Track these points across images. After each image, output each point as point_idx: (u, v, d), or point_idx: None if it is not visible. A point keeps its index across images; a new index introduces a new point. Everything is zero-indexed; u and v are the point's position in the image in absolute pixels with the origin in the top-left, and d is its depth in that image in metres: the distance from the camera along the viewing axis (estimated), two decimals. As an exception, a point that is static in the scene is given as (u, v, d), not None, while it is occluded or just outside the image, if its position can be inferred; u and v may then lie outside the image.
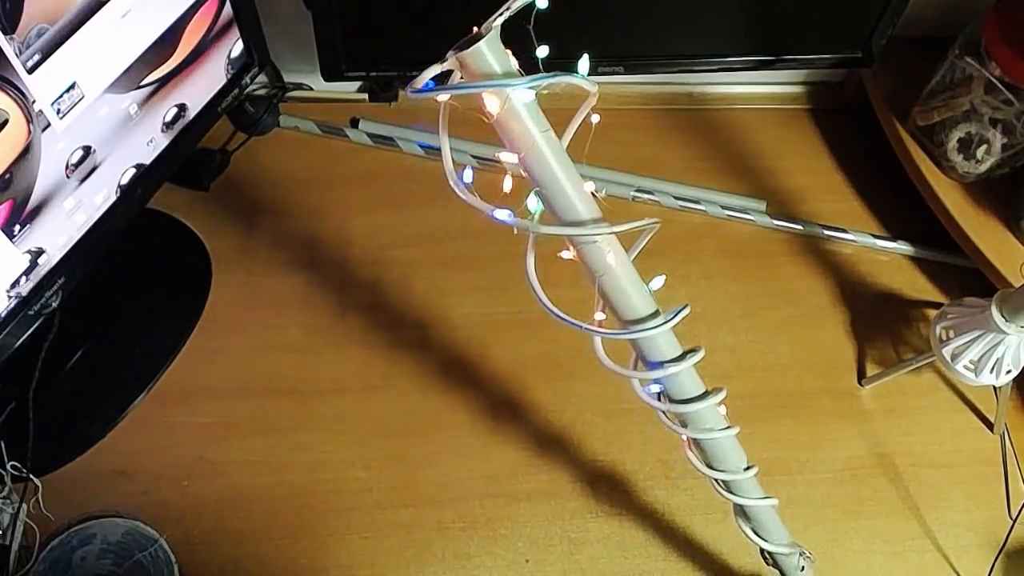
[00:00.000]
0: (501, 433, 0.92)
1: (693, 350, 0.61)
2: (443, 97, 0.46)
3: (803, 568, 0.76)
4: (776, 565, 0.77)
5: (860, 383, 1.00)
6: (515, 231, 0.50)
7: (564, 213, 0.52)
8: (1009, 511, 0.91)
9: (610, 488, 0.90)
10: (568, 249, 0.55)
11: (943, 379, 1.01)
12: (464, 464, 0.90)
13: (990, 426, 0.98)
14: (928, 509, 0.92)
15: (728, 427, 0.65)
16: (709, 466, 0.67)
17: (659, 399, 0.64)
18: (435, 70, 0.46)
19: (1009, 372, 0.85)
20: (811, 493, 0.92)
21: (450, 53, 0.45)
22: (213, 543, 0.83)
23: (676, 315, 0.58)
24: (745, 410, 0.96)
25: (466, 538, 0.86)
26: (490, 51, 0.46)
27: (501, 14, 0.45)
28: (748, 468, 0.67)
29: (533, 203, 0.52)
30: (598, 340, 0.60)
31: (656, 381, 0.62)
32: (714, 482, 0.69)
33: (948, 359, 0.87)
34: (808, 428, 0.96)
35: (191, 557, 0.81)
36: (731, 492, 0.69)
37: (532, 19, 0.45)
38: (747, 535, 0.73)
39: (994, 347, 0.84)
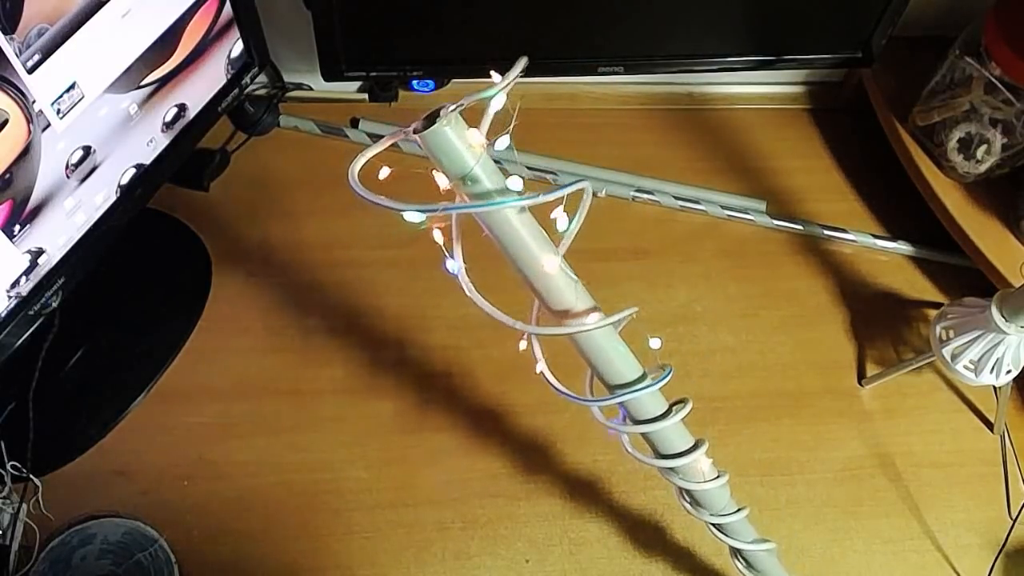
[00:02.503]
0: (501, 433, 0.92)
1: (682, 401, 0.62)
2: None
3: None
4: None
5: (860, 383, 1.00)
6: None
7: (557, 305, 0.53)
8: (1009, 511, 0.91)
9: (610, 488, 0.90)
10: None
11: (943, 379, 1.01)
12: (464, 464, 0.90)
13: (990, 426, 0.98)
14: (928, 509, 0.92)
15: (717, 476, 0.66)
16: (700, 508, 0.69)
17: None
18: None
19: (1009, 372, 0.85)
20: (811, 493, 0.92)
21: (413, 128, 0.46)
22: (213, 543, 0.83)
23: (662, 379, 0.59)
24: (745, 410, 0.96)
25: (466, 538, 0.86)
26: (455, 136, 0.46)
27: (459, 106, 0.45)
28: (738, 511, 0.68)
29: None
30: (596, 409, 0.62)
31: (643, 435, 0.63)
32: (709, 526, 0.70)
33: (948, 359, 0.87)
34: (808, 428, 0.96)
35: (191, 557, 0.81)
36: (725, 535, 0.69)
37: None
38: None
39: (994, 347, 0.84)
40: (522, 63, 0.46)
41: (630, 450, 0.64)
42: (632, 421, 0.61)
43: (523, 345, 0.57)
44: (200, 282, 0.98)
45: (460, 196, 0.48)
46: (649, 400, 0.60)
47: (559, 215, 0.48)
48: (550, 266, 0.51)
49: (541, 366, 0.58)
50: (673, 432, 0.62)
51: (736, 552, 0.73)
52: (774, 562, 0.73)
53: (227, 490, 0.86)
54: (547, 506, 0.88)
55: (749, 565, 0.74)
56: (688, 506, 0.69)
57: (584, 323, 0.54)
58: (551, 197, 0.49)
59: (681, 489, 0.67)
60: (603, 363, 0.57)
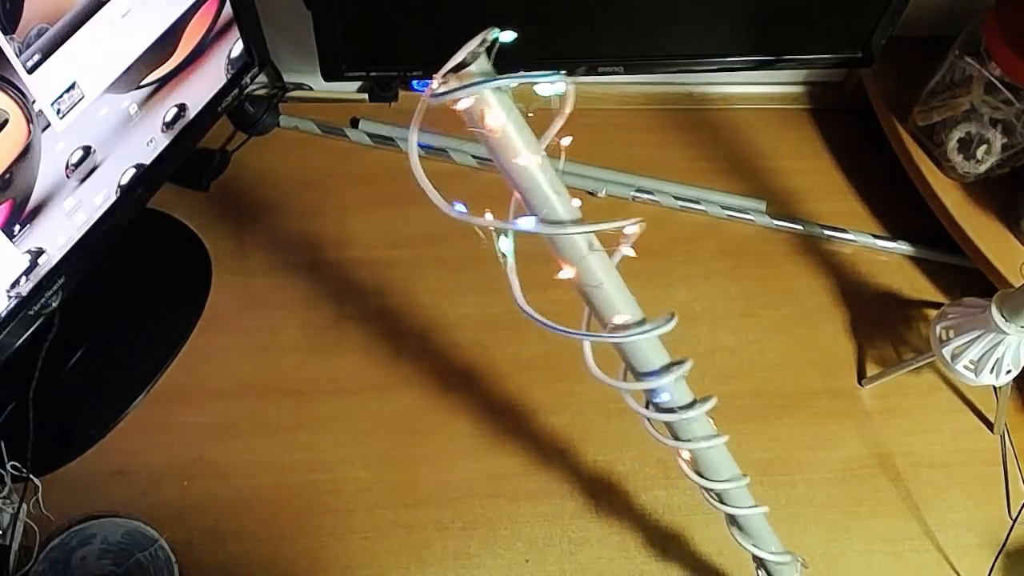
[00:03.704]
0: (501, 433, 0.92)
1: (681, 361, 0.61)
2: (464, 103, 0.46)
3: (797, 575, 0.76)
4: (769, 574, 0.77)
5: (860, 383, 1.00)
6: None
7: (548, 216, 0.52)
8: (1009, 511, 0.91)
9: (610, 488, 0.90)
10: (561, 267, 0.55)
11: (943, 379, 1.01)
12: (464, 464, 0.90)
13: (990, 426, 0.98)
14: (928, 509, 0.92)
15: (717, 435, 0.64)
16: (700, 475, 0.67)
17: (647, 407, 0.63)
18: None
19: (1009, 372, 0.85)
20: (811, 493, 0.92)
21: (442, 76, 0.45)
22: (213, 543, 0.83)
23: (666, 323, 0.57)
24: (745, 410, 0.96)
25: (466, 538, 0.86)
26: (479, 70, 0.46)
27: (478, 44, 0.45)
28: (740, 478, 0.67)
29: (505, 245, 0.52)
30: (587, 345, 0.59)
31: (648, 392, 0.61)
32: (705, 492, 0.69)
33: (948, 359, 0.87)
34: (808, 428, 0.96)
35: (191, 557, 0.81)
36: (723, 502, 0.69)
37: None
38: (740, 543, 0.73)
39: (994, 347, 0.84)
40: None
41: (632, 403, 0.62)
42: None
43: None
44: (200, 282, 0.98)
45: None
46: (650, 348, 0.59)
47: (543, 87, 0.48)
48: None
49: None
50: (676, 386, 0.61)
51: (732, 518, 0.73)
52: (767, 526, 0.73)
53: (227, 490, 0.86)
54: (547, 506, 0.88)
55: (741, 528, 0.73)
56: (687, 470, 0.68)
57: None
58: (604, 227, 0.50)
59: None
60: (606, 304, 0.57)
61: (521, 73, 0.45)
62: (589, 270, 0.55)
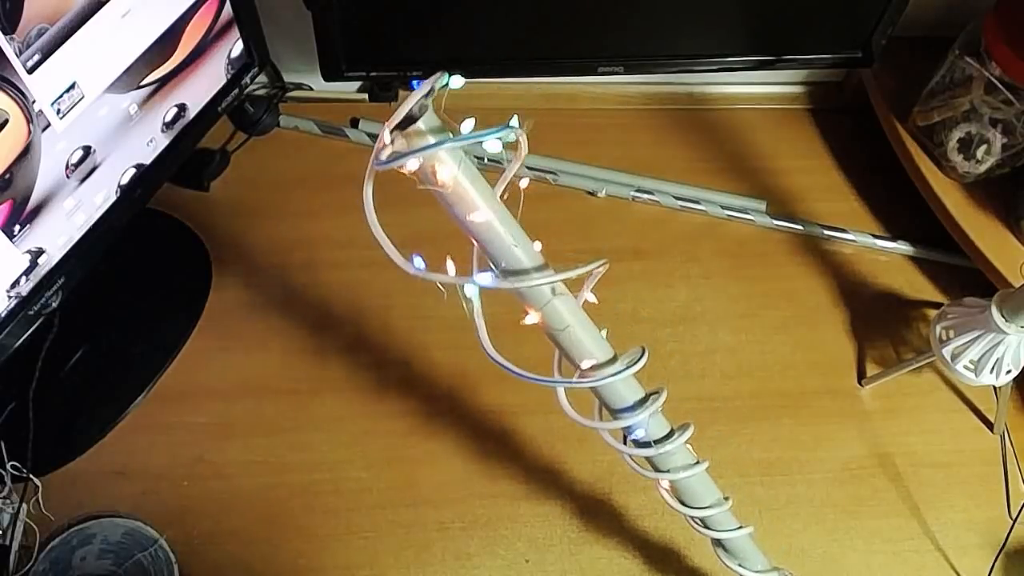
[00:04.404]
0: (501, 433, 0.92)
1: (656, 392, 0.60)
2: (412, 165, 0.45)
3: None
4: None
5: (860, 383, 1.00)
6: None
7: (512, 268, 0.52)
8: (1009, 511, 0.91)
9: (610, 488, 0.90)
10: (527, 313, 0.55)
11: (943, 379, 1.01)
12: (464, 464, 0.90)
13: (990, 426, 0.98)
14: (928, 509, 0.92)
15: (697, 463, 0.64)
16: (683, 503, 0.67)
17: (625, 443, 0.63)
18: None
19: (1009, 372, 0.85)
20: (811, 493, 0.92)
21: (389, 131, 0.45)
22: (213, 543, 0.83)
23: (636, 361, 0.57)
24: (745, 410, 0.96)
25: (466, 538, 0.86)
26: (427, 127, 0.45)
27: (424, 95, 0.44)
28: (722, 502, 0.67)
29: (471, 290, 0.51)
30: (561, 391, 0.59)
31: (625, 428, 0.61)
32: (688, 519, 0.69)
33: (948, 359, 0.87)
34: (808, 428, 0.96)
35: (191, 557, 0.81)
36: (707, 527, 0.69)
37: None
38: (727, 564, 0.73)
39: (994, 347, 0.84)
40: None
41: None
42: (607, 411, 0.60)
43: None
44: (200, 282, 0.98)
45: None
46: (624, 387, 0.59)
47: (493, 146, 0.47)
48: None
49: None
50: (651, 420, 0.61)
51: (718, 542, 0.72)
52: (753, 546, 0.72)
53: (227, 490, 0.86)
54: (547, 506, 0.88)
55: (727, 550, 0.73)
56: (669, 499, 0.68)
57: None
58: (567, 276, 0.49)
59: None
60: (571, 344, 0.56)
61: (472, 133, 0.44)
62: (555, 314, 0.54)
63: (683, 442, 0.62)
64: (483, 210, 0.48)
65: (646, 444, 0.61)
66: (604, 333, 0.58)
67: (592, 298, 0.55)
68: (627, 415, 0.59)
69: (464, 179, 0.47)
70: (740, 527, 0.69)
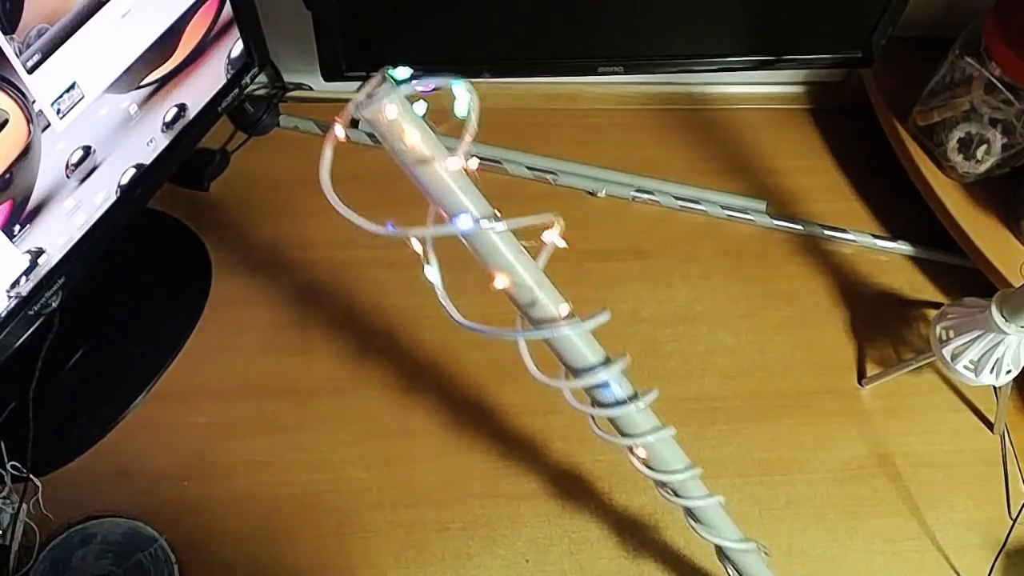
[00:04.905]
0: (502, 433, 0.92)
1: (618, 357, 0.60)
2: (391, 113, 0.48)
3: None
4: (731, 563, 0.76)
5: (860, 383, 1.00)
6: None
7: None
8: (1009, 511, 0.91)
9: (610, 488, 0.90)
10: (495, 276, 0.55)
11: (943, 379, 1.01)
12: (464, 464, 0.90)
13: (990, 426, 0.98)
14: (928, 509, 0.92)
15: (663, 428, 0.64)
16: (651, 468, 0.66)
17: (592, 405, 0.62)
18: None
19: (1009, 372, 0.85)
20: (811, 493, 0.92)
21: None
22: (213, 543, 0.83)
23: (597, 316, 0.56)
24: (745, 410, 0.96)
25: (466, 538, 0.86)
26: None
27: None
28: (692, 467, 0.67)
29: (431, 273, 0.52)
30: (523, 345, 0.59)
31: (591, 391, 0.61)
32: (659, 487, 0.69)
33: (948, 359, 0.87)
34: (808, 428, 0.96)
35: (191, 557, 0.81)
36: (678, 496, 0.69)
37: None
38: (700, 535, 0.72)
39: (994, 347, 0.84)
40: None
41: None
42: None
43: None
44: (200, 282, 0.98)
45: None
46: (583, 344, 0.59)
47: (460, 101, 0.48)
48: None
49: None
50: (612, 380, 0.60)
51: (689, 511, 0.72)
52: (724, 515, 0.72)
53: (227, 490, 0.86)
54: (547, 506, 0.88)
55: (698, 520, 0.73)
56: (638, 464, 0.67)
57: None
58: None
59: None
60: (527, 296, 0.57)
61: (417, 78, 0.47)
62: (516, 275, 0.55)
63: (647, 403, 0.61)
64: (433, 162, 0.50)
65: (610, 405, 0.61)
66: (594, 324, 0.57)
67: (561, 243, 0.55)
68: (589, 375, 0.59)
69: (410, 126, 0.49)
70: (710, 495, 0.69)
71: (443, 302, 0.55)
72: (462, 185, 0.51)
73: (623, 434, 0.64)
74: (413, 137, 0.48)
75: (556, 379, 0.61)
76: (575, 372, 0.60)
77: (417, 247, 0.53)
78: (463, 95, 0.47)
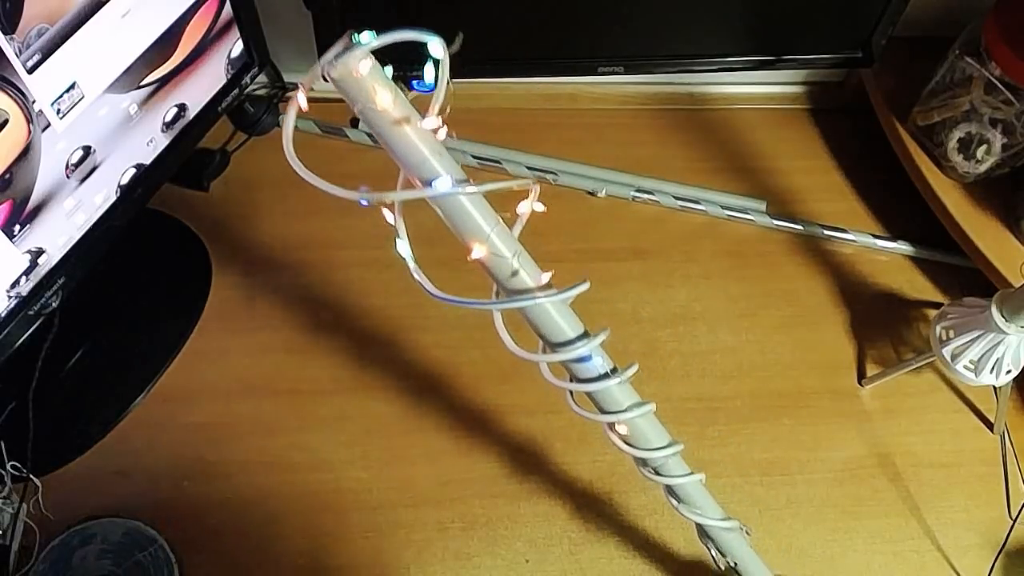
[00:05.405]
0: (501, 433, 0.92)
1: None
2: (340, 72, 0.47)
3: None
4: (713, 542, 0.75)
5: (860, 383, 1.00)
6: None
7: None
8: (1009, 511, 0.91)
9: (610, 488, 0.90)
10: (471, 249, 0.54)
11: (943, 379, 1.01)
12: (464, 464, 0.90)
13: (990, 426, 0.98)
14: (928, 509, 0.92)
15: (643, 404, 0.62)
16: (631, 445, 0.65)
17: (571, 380, 0.61)
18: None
19: (1009, 372, 0.85)
20: (811, 493, 0.92)
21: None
22: (213, 543, 0.83)
23: (574, 287, 0.55)
24: (745, 410, 0.96)
25: (466, 538, 0.86)
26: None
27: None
28: (674, 444, 0.66)
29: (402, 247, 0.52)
30: (498, 316, 0.58)
31: (568, 367, 0.60)
32: (640, 466, 0.68)
33: (948, 359, 0.87)
34: (808, 428, 0.96)
35: (191, 557, 0.81)
36: (658, 474, 0.68)
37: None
38: (682, 513, 0.71)
39: (994, 347, 0.84)
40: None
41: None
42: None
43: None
44: (200, 282, 0.98)
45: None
46: (559, 315, 0.58)
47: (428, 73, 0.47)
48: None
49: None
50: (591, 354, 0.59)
51: (670, 489, 0.71)
52: (706, 494, 0.71)
53: (227, 490, 0.86)
54: (547, 506, 0.88)
55: (679, 499, 0.71)
56: (617, 440, 0.66)
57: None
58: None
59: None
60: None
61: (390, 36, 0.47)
62: (494, 243, 0.54)
63: (627, 378, 0.60)
64: (406, 123, 0.49)
65: (587, 380, 0.60)
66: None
67: (540, 207, 0.54)
68: (568, 348, 0.58)
69: (381, 87, 0.49)
70: (691, 472, 0.69)
71: (416, 275, 0.54)
72: (435, 149, 0.50)
73: (603, 411, 0.62)
74: (384, 98, 0.47)
75: (533, 352, 0.60)
76: (553, 347, 0.59)
77: (390, 218, 0.52)
78: (437, 50, 0.46)
